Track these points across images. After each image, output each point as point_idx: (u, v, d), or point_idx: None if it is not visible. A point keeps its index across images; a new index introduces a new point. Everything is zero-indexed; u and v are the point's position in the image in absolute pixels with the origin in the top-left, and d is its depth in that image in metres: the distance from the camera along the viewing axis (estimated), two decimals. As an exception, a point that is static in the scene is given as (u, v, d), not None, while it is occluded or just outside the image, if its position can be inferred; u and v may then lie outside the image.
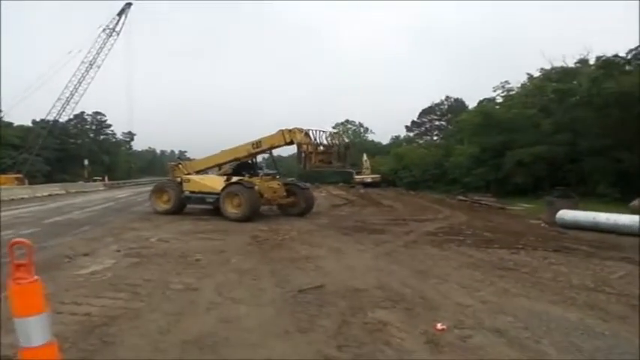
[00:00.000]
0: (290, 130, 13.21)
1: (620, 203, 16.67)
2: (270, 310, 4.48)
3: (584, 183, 23.61)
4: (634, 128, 21.23)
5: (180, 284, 5.48)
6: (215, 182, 13.90)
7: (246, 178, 13.70)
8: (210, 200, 13.68)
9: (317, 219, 13.65)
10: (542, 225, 13.35)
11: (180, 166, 15.76)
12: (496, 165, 28.93)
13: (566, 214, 12.70)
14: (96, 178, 46.53)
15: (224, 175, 14.44)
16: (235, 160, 14.46)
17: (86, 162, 47.72)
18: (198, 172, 15.21)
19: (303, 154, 12.88)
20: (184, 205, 14.60)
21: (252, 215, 12.66)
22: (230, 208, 12.93)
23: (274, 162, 16.91)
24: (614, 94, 21.46)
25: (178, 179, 14.83)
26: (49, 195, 28.20)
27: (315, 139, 13.35)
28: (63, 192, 31.40)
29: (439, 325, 3.95)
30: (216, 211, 13.49)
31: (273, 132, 13.66)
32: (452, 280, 5.80)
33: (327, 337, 3.71)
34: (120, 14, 43.14)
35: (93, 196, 26.89)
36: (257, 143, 13.94)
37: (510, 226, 12.97)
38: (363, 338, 3.69)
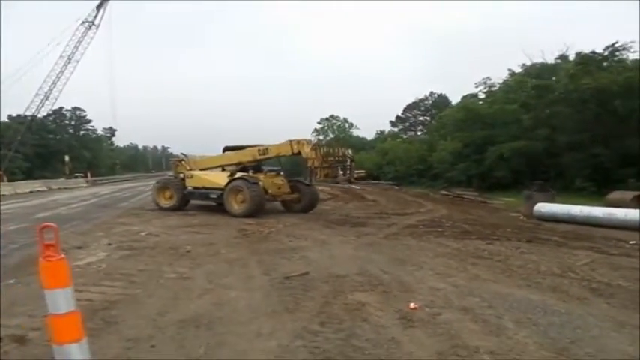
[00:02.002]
0: (298, 142, 13.14)
1: (596, 197, 17.42)
2: (258, 294, 4.85)
3: (562, 177, 24.43)
4: (609, 124, 22.05)
5: (174, 273, 5.81)
6: (219, 178, 13.86)
7: (250, 174, 13.74)
8: (214, 196, 13.64)
9: (302, 213, 13.98)
10: (521, 218, 13.95)
11: (183, 162, 15.59)
12: (478, 160, 29.65)
13: (543, 207, 13.32)
14: (77, 174, 45.85)
15: (228, 170, 14.41)
16: (239, 164, 14.38)
17: (67, 158, 46.73)
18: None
19: (309, 169, 12.80)
20: (187, 202, 14.62)
21: (256, 211, 12.60)
22: (234, 204, 12.91)
23: (279, 159, 16.98)
24: (590, 90, 22.17)
25: (181, 175, 14.80)
26: (31, 192, 27.93)
27: (322, 153, 13.13)
28: (45, 189, 31.06)
29: (412, 305, 4.37)
30: (219, 207, 13.49)
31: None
32: (427, 267, 6.23)
33: (311, 315, 4.10)
34: (99, 7, 42.31)
35: (76, 193, 26.75)
36: (264, 150, 13.90)
37: (489, 219, 13.51)
38: (344, 316, 4.09)
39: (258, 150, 14.01)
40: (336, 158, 13.51)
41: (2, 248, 7.81)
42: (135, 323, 3.87)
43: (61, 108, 61.58)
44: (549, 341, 3.55)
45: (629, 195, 14.65)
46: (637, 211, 11.04)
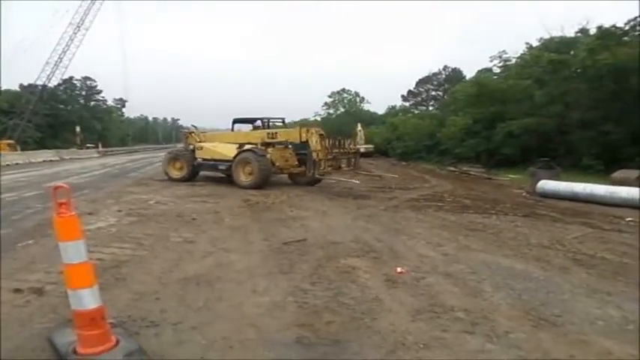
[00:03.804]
0: (308, 130, 13.27)
1: (603, 175, 17.39)
2: (257, 257, 5.21)
3: (571, 155, 24.25)
4: (625, 101, 21.62)
5: (179, 238, 6.19)
6: (227, 150, 14.16)
7: (258, 147, 13.91)
8: (223, 167, 14.01)
9: (307, 186, 14.26)
10: (524, 194, 14.06)
11: (193, 134, 15.96)
12: (487, 136, 29.45)
13: (546, 184, 13.40)
14: (89, 145, 46.54)
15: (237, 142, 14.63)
16: (248, 143, 14.46)
17: (78, 129, 47.35)
18: None
19: (313, 161, 12.67)
20: (197, 173, 15.00)
21: (263, 183, 12.93)
22: (242, 176, 13.23)
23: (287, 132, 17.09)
24: (608, 66, 21.62)
25: (191, 147, 15.17)
26: (44, 161, 28.74)
27: (328, 144, 13.00)
28: (57, 158, 31.88)
29: (398, 269, 4.68)
30: (227, 179, 13.83)
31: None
32: (420, 238, 6.51)
33: (303, 276, 4.44)
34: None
35: (88, 163, 27.41)
36: (273, 134, 14.24)
37: (491, 195, 13.63)
38: (334, 278, 4.42)
39: (268, 133, 14.34)
40: (341, 150, 13.56)
41: (19, 213, 8.27)
42: (141, 280, 4.25)
43: (71, 77, 61.52)
44: (521, 303, 3.84)
45: (634, 173, 14.64)
46: (638, 189, 11.10)
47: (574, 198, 12.17)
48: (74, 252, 2.58)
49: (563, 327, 3.38)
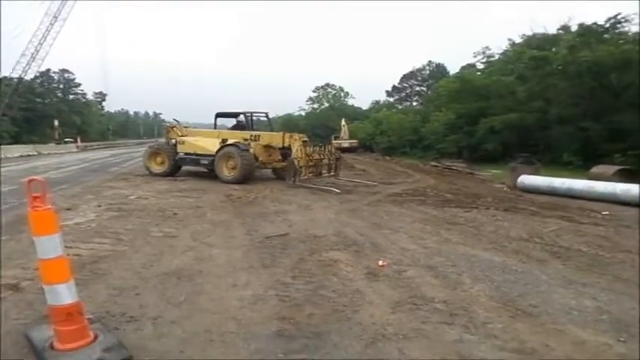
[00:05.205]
0: (291, 136, 13.35)
1: (582, 170, 17.77)
2: (238, 251, 5.19)
3: (551, 150, 24.73)
4: (603, 98, 22.10)
5: (160, 232, 6.12)
6: (210, 144, 14.01)
7: (241, 141, 13.83)
8: (205, 162, 13.85)
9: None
10: (504, 189, 14.28)
11: (175, 128, 15.70)
12: (470, 132, 29.82)
13: (526, 179, 13.65)
14: (67, 139, 45.51)
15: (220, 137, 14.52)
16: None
17: (56, 123, 46.30)
18: None
19: (293, 169, 12.52)
20: (179, 167, 14.81)
21: (246, 178, 12.87)
22: (225, 171, 13.13)
23: (271, 127, 17.07)
24: (587, 63, 22.05)
25: (173, 141, 14.94)
26: (21, 156, 28.01)
27: (309, 151, 13.01)
28: (35, 153, 31.17)
29: (380, 262, 4.72)
30: (210, 173, 13.70)
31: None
32: (402, 231, 6.57)
33: (285, 270, 4.45)
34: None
35: (66, 158, 26.86)
36: (256, 136, 14.19)
37: (473, 190, 13.80)
38: (315, 271, 4.44)
39: (251, 135, 14.24)
40: (321, 157, 13.54)
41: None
42: (121, 275, 4.19)
43: (48, 70, 60.11)
44: (499, 294, 3.91)
45: (611, 169, 14.99)
46: (616, 184, 11.39)
47: (553, 192, 12.41)
48: (50, 246, 2.53)
49: (539, 317, 3.45)
